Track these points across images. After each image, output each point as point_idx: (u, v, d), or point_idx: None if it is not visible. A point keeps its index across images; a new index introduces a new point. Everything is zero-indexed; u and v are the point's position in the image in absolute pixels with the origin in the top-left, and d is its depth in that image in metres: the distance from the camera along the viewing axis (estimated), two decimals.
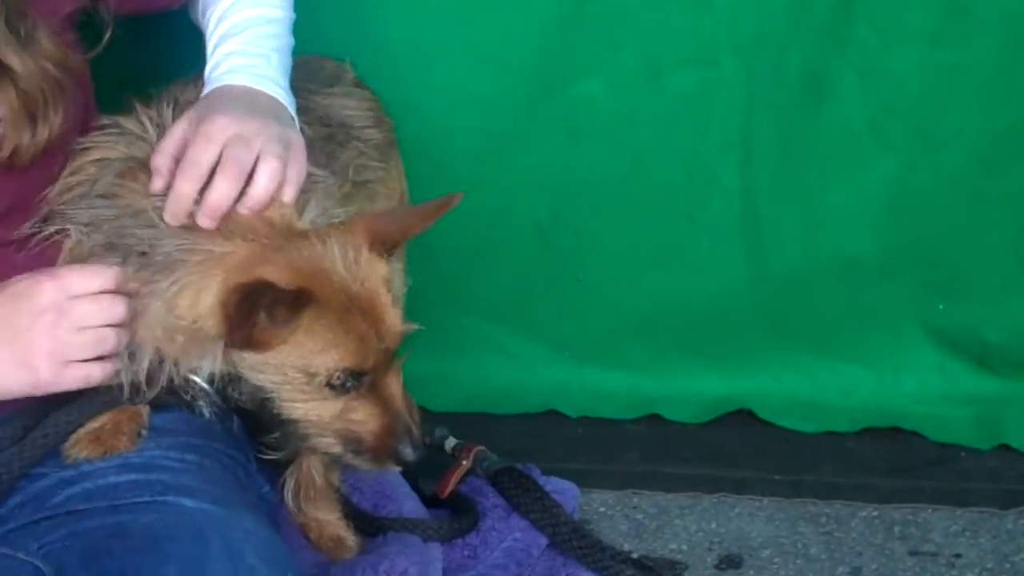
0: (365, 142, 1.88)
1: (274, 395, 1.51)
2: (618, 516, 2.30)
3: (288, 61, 1.69)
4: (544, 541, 2.08)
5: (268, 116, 1.57)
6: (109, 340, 1.48)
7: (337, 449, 1.55)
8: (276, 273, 1.43)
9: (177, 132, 1.54)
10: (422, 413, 2.32)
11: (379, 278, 1.52)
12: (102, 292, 1.47)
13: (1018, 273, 2.43)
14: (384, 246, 1.54)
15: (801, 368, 2.50)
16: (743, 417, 2.51)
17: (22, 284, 1.48)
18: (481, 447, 2.22)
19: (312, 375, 1.48)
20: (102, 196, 1.54)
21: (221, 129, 1.51)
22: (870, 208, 2.37)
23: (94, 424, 1.56)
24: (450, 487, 2.18)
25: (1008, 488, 2.38)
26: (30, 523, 1.49)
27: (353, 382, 1.49)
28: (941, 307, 2.47)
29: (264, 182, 1.50)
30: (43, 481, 1.53)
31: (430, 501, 2.15)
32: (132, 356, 1.51)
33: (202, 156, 1.49)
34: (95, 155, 1.58)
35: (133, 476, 1.51)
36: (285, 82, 1.66)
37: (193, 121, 1.54)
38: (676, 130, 2.32)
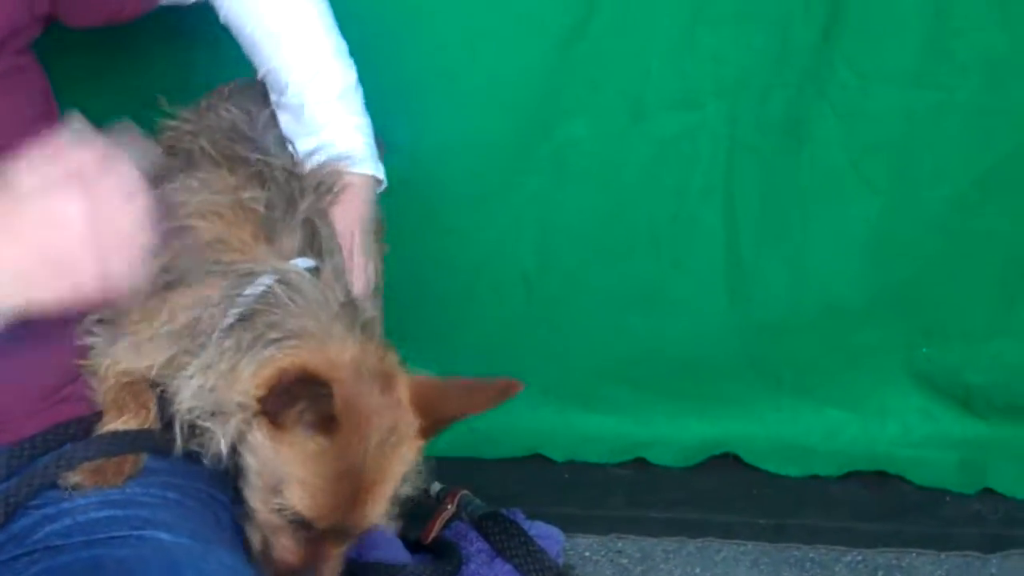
0: None
1: (246, 476, 1.51)
2: (603, 561, 2.29)
3: None
4: None
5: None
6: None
7: (257, 548, 1.54)
8: (344, 385, 1.43)
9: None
10: None
11: (399, 467, 1.49)
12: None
13: (1001, 316, 2.44)
14: (428, 419, 1.52)
15: (785, 412, 2.51)
16: (728, 461, 2.51)
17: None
18: (465, 491, 2.21)
19: (276, 491, 1.47)
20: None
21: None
22: (853, 250, 2.38)
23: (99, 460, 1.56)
24: (434, 532, 2.16)
25: (992, 532, 2.38)
26: (9, 559, 1.48)
27: (297, 523, 1.48)
28: (925, 350, 2.48)
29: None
30: (25, 519, 1.51)
31: (414, 546, 2.13)
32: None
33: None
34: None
35: (112, 512, 1.50)
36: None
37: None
38: (659, 173, 2.33)
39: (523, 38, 2.23)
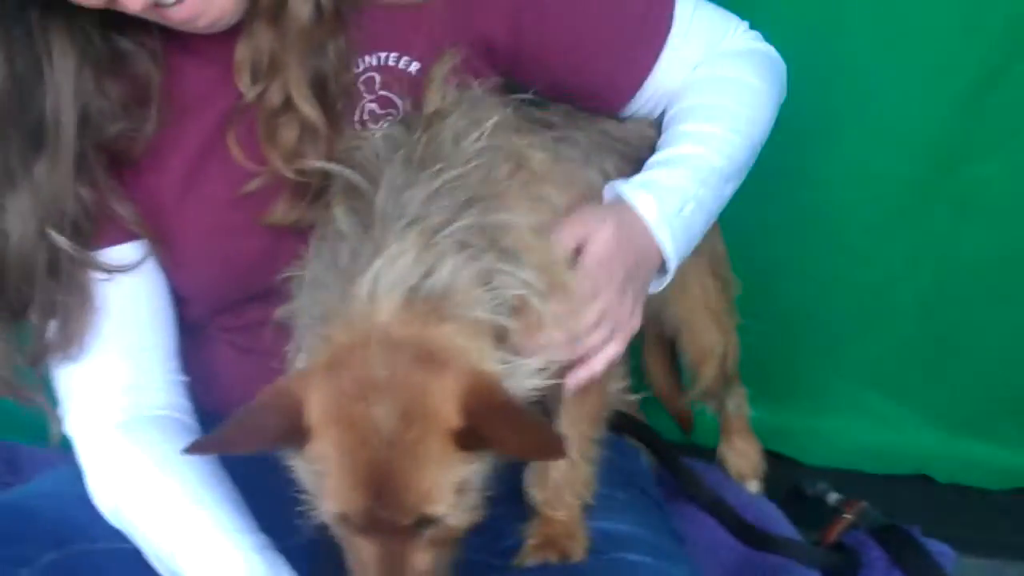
0: None
1: None
2: None
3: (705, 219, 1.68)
4: None
5: (641, 292, 1.61)
6: None
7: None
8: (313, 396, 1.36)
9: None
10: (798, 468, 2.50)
11: (425, 451, 1.33)
12: None
13: None
14: (471, 423, 1.33)
15: None
16: None
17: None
18: (864, 503, 2.31)
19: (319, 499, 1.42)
20: None
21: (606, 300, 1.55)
22: None
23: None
24: (833, 536, 2.27)
25: None
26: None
27: (342, 522, 1.39)
28: None
29: (597, 367, 1.56)
30: None
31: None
32: None
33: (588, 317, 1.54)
34: None
35: None
36: (686, 242, 1.64)
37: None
38: None
39: (940, 82, 2.31)
